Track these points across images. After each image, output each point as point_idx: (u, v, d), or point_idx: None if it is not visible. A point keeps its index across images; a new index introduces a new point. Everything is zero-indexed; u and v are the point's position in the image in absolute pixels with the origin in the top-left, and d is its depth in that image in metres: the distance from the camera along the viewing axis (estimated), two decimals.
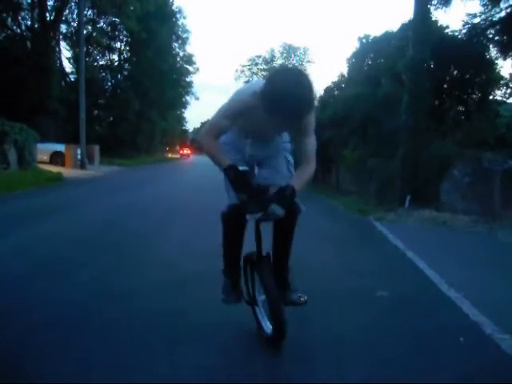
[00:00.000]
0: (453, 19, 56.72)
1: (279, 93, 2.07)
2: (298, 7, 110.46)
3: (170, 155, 52.56)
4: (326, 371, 2.44)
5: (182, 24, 38.31)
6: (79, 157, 19.61)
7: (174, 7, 35.93)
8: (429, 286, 4.18)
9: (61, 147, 20.05)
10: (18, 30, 25.40)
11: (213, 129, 2.46)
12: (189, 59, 42.01)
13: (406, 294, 3.86)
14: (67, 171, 16.89)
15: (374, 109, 12.72)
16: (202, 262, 4.31)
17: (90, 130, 22.26)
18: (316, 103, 21.19)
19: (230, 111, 2.42)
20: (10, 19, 25.06)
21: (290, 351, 2.64)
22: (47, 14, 24.73)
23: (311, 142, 2.51)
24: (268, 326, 2.68)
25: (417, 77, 10.29)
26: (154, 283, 3.75)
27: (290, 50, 58.90)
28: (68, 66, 32.06)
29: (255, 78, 57.89)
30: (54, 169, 16.66)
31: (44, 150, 18.88)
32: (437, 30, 12.62)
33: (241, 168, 2.43)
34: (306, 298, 2.71)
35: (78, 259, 4.54)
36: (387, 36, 16.55)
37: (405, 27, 14.19)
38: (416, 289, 4.10)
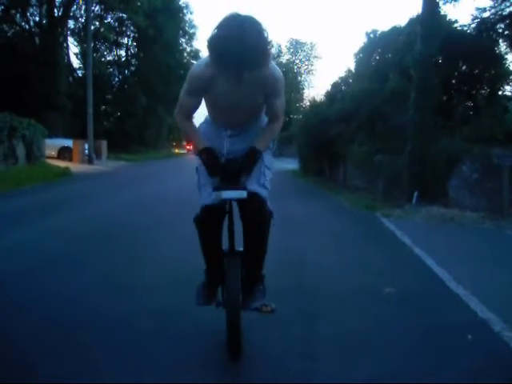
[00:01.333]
0: (462, 14, 56.12)
1: (222, 37, 1.95)
2: (305, 2, 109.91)
3: (176, 150, 52.61)
4: (333, 368, 2.44)
5: (189, 19, 38.32)
6: (87, 152, 19.73)
7: (181, 2, 35.92)
8: (436, 282, 4.17)
9: (68, 142, 20.16)
10: (27, 26, 25.51)
11: (181, 109, 2.41)
12: (196, 54, 41.89)
13: (413, 290, 3.85)
14: (75, 166, 16.98)
15: (381, 104, 12.64)
16: None
17: (97, 126, 22.37)
18: (323, 98, 20.95)
19: (189, 87, 2.33)
20: (18, 15, 25.19)
21: (297, 348, 2.64)
22: (55, 10, 24.83)
23: (279, 103, 2.37)
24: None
25: (425, 72, 10.21)
26: (163, 280, 3.74)
27: (296, 46, 58.75)
28: (76, 62, 32.23)
29: None
30: (62, 164, 16.76)
31: (52, 145, 18.99)
32: (445, 25, 12.51)
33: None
34: (273, 306, 2.55)
35: (84, 254, 4.58)
36: (395, 31, 16.43)
37: (413, 22, 14.08)
38: (424, 286, 4.08)
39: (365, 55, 19.13)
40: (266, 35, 2.00)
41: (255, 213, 2.37)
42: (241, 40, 1.91)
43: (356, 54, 19.77)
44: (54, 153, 19.50)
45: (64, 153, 19.96)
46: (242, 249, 2.51)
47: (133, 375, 2.27)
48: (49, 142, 17.65)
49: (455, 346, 2.76)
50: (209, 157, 2.34)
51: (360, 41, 57.64)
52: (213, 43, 1.99)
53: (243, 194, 2.26)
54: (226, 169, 2.33)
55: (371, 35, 18.88)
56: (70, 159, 19.39)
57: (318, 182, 15.01)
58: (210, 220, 2.41)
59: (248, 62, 1.98)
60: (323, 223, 7.43)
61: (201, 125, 2.59)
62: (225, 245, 2.54)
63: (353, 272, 4.41)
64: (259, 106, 2.41)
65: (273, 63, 2.28)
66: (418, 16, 12.25)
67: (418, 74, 10.35)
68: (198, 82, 2.30)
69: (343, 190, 12.52)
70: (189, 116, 2.44)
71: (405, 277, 4.32)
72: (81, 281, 3.72)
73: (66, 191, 10.68)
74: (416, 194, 9.47)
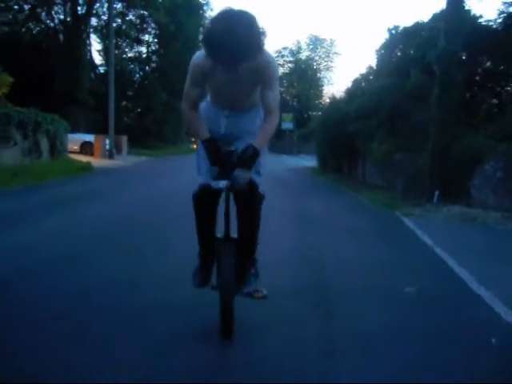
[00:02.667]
0: (487, 8, 54.94)
1: (213, 32, 2.06)
2: None
3: (195, 146, 52.98)
4: (352, 366, 2.43)
5: (209, 16, 38.27)
6: (108, 147, 20.01)
7: None
8: (458, 283, 4.11)
9: (90, 137, 20.50)
10: (52, 24, 26.05)
11: (187, 99, 2.51)
12: None
13: (434, 291, 3.80)
14: (96, 161, 17.26)
15: (402, 101, 12.46)
16: None
17: (118, 121, 22.64)
18: (342, 95, 20.80)
19: (191, 78, 2.46)
20: (44, 14, 25.72)
21: (315, 345, 2.64)
22: (79, 8, 25.29)
23: (272, 95, 2.45)
24: None
25: (448, 68, 10.03)
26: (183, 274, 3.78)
27: (316, 42, 58.29)
28: (98, 59, 32.65)
29: (281, 70, 57.62)
30: (84, 158, 17.05)
31: (74, 140, 19.36)
32: (470, 20, 12.24)
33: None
34: (265, 292, 2.68)
35: (106, 246, 4.67)
36: (417, 27, 16.16)
37: (436, 17, 13.83)
38: (445, 286, 4.03)
39: (386, 51, 18.86)
40: (256, 27, 2.09)
41: (249, 195, 2.50)
42: (230, 34, 2.00)
43: (377, 51, 19.50)
44: (76, 147, 19.87)
45: (86, 147, 20.32)
46: (236, 236, 2.64)
47: (150, 369, 2.30)
48: (71, 136, 18.01)
49: (478, 348, 2.71)
50: (211, 147, 2.47)
51: (381, 37, 57.04)
52: (206, 38, 2.13)
53: (248, 176, 2.38)
54: (225, 161, 2.45)
55: (393, 31, 18.60)
56: (92, 154, 19.71)
57: (336, 180, 14.92)
58: (207, 199, 2.56)
59: (240, 54, 2.08)
60: (342, 221, 7.40)
61: (201, 104, 2.68)
62: (220, 233, 2.68)
63: (372, 270, 4.38)
64: (255, 91, 2.53)
65: (267, 51, 2.38)
66: (441, 11, 12.03)
67: (441, 70, 10.18)
68: (199, 72, 2.42)
69: (362, 188, 12.42)
70: (194, 105, 2.53)
71: (425, 277, 4.27)
72: (101, 271, 3.80)
73: (88, 185, 10.86)
74: (437, 192, 9.34)
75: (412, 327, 3.00)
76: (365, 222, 7.53)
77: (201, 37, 38.62)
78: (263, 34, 2.18)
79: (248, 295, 2.67)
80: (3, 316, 2.85)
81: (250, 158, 2.41)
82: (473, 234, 6.81)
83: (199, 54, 2.43)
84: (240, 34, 2.01)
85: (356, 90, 18.71)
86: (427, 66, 11.75)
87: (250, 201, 2.55)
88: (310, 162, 23.56)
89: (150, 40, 34.98)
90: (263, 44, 2.21)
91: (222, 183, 2.41)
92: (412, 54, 15.04)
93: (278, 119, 2.54)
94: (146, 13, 30.61)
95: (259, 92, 2.52)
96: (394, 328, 2.97)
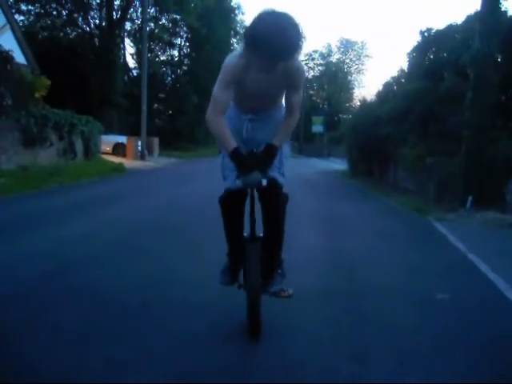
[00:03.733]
0: None
1: (261, 32, 2.13)
2: (356, 1, 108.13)
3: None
4: (383, 373, 2.41)
5: (241, 20, 38.48)
6: (139, 148, 20.37)
7: (232, 3, 36.29)
8: (492, 291, 4.02)
9: (123, 139, 20.90)
10: (88, 29, 26.81)
11: (216, 104, 2.46)
12: None
13: (467, 298, 3.74)
14: (128, 162, 17.59)
15: (435, 104, 12.24)
16: None
17: (150, 123, 23.03)
18: (374, 98, 20.60)
19: (225, 80, 2.44)
20: (80, 19, 26.54)
21: (345, 349, 2.64)
22: (114, 13, 25.89)
23: (297, 98, 2.57)
24: None
25: (483, 71, 9.81)
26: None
27: (347, 45, 57.85)
28: (131, 62, 33.36)
29: (311, 73, 57.40)
30: (116, 159, 17.41)
31: (107, 142, 19.76)
32: (506, 21, 11.92)
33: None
34: (291, 292, 2.75)
35: (140, 245, 4.80)
36: (451, 29, 15.86)
37: (470, 19, 13.53)
38: (478, 293, 3.95)
39: (418, 54, 18.56)
40: (300, 29, 2.18)
41: (273, 195, 2.58)
42: (280, 34, 2.10)
43: (409, 53, 19.21)
44: (108, 148, 20.27)
45: (118, 149, 20.71)
46: (261, 235, 2.69)
47: (184, 364, 2.36)
48: (104, 138, 18.40)
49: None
50: (238, 157, 2.47)
51: (413, 39, 56.08)
52: (252, 37, 2.18)
53: (264, 180, 2.43)
54: (247, 162, 2.48)
55: (425, 34, 18.30)
56: (124, 155, 20.09)
57: (367, 184, 14.76)
58: (232, 202, 2.63)
59: (284, 54, 2.18)
60: (372, 225, 7.34)
61: None
62: (247, 232, 2.71)
63: (404, 275, 4.34)
64: (282, 93, 2.62)
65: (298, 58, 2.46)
66: (476, 13, 11.77)
67: (476, 72, 9.96)
68: (233, 72, 2.43)
69: (393, 193, 12.25)
70: (223, 112, 2.49)
71: (458, 283, 4.20)
72: (136, 269, 3.91)
73: (121, 186, 11.12)
74: (470, 197, 9.13)
75: (445, 335, 2.96)
76: (396, 226, 7.44)
77: (241, 35, 38.93)
78: (304, 36, 2.25)
79: (274, 294, 2.73)
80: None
81: (269, 156, 2.50)
82: (507, 240, 6.64)
83: (233, 56, 2.47)
84: (288, 35, 2.12)
85: (387, 93, 18.46)
86: (461, 68, 11.53)
87: (274, 201, 2.61)
88: (340, 165, 23.39)
89: (182, 43, 35.50)
90: (303, 46, 2.28)
91: (248, 178, 2.43)
92: (445, 57, 14.76)
93: (298, 119, 2.65)
94: (178, 17, 31.09)
95: (281, 99, 2.64)
96: (426, 335, 2.93)
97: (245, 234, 2.74)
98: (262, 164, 2.48)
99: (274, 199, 2.60)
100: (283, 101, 2.69)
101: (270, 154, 2.51)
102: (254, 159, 2.52)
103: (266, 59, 2.21)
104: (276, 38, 2.10)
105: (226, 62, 2.48)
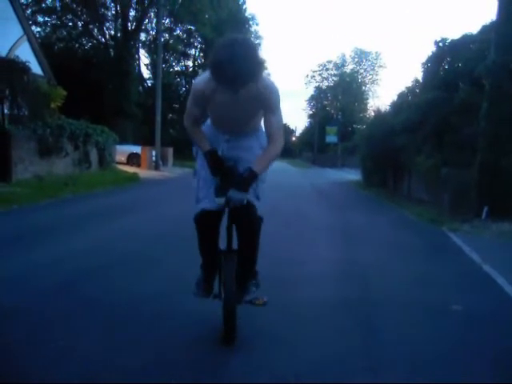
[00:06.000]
0: None
1: (217, 59, 2.21)
2: (370, 11, 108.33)
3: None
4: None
5: (255, 30, 38.85)
6: (154, 158, 20.56)
7: (247, 14, 36.65)
8: (508, 303, 3.96)
9: (137, 149, 21.11)
10: (103, 40, 27.25)
11: (188, 116, 2.64)
12: None
13: (482, 310, 3.68)
14: (142, 172, 17.76)
15: (449, 115, 12.17)
16: (285, 269, 4.48)
17: (164, 133, 23.26)
18: (388, 108, 20.51)
19: (193, 99, 2.59)
20: (96, 30, 27.01)
21: (360, 361, 2.63)
22: (129, 24, 26.32)
23: (275, 121, 2.54)
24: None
25: (498, 81, 9.72)
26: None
27: (361, 55, 57.95)
28: (146, 72, 33.82)
29: (325, 83, 57.50)
30: (131, 169, 17.59)
31: (122, 151, 19.99)
32: None
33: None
34: (265, 299, 2.83)
35: (154, 255, 4.81)
36: (466, 39, 15.79)
37: (486, 29, 13.47)
38: (493, 305, 3.88)
39: (433, 64, 18.48)
40: (255, 56, 2.24)
41: (248, 219, 2.64)
42: (231, 62, 2.16)
43: (423, 64, 19.16)
44: (123, 158, 20.50)
45: (133, 159, 20.93)
46: (237, 247, 2.76)
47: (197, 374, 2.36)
48: (119, 148, 18.62)
49: None
50: (213, 158, 2.60)
51: (428, 50, 55.91)
52: (211, 64, 2.27)
53: (244, 197, 2.47)
54: (226, 174, 2.57)
55: (440, 44, 18.24)
56: (138, 165, 20.30)
57: (381, 194, 14.68)
58: (209, 221, 2.68)
59: (239, 80, 2.23)
60: (387, 236, 7.28)
61: (203, 127, 2.78)
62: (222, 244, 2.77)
63: (418, 286, 4.29)
64: (255, 116, 2.63)
65: (269, 78, 2.61)
66: (491, 23, 11.72)
67: (491, 83, 9.88)
68: (200, 94, 2.53)
69: (407, 203, 12.16)
70: (196, 123, 2.67)
71: (473, 295, 4.14)
72: (151, 279, 3.92)
73: (135, 195, 11.21)
74: (486, 208, 9.02)
75: (459, 347, 2.92)
76: (410, 237, 7.37)
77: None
78: (263, 62, 2.30)
79: (249, 303, 2.81)
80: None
81: (246, 180, 2.48)
82: None
83: (201, 79, 2.58)
84: (240, 62, 2.17)
85: (402, 104, 18.40)
86: (476, 79, 11.44)
87: (246, 222, 2.65)
88: (354, 175, 23.30)
89: (197, 54, 35.93)
90: (262, 72, 2.37)
91: (231, 193, 2.46)
92: (460, 67, 14.68)
93: (282, 144, 2.60)
94: (192, 28, 31.51)
95: (262, 118, 2.62)
96: (440, 347, 2.89)
97: (221, 247, 2.80)
98: (241, 185, 2.48)
99: (250, 222, 2.65)
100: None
101: (249, 177, 2.49)
102: (233, 174, 2.57)
103: (224, 84, 2.28)
104: (231, 65, 2.16)
105: (195, 83, 2.64)
